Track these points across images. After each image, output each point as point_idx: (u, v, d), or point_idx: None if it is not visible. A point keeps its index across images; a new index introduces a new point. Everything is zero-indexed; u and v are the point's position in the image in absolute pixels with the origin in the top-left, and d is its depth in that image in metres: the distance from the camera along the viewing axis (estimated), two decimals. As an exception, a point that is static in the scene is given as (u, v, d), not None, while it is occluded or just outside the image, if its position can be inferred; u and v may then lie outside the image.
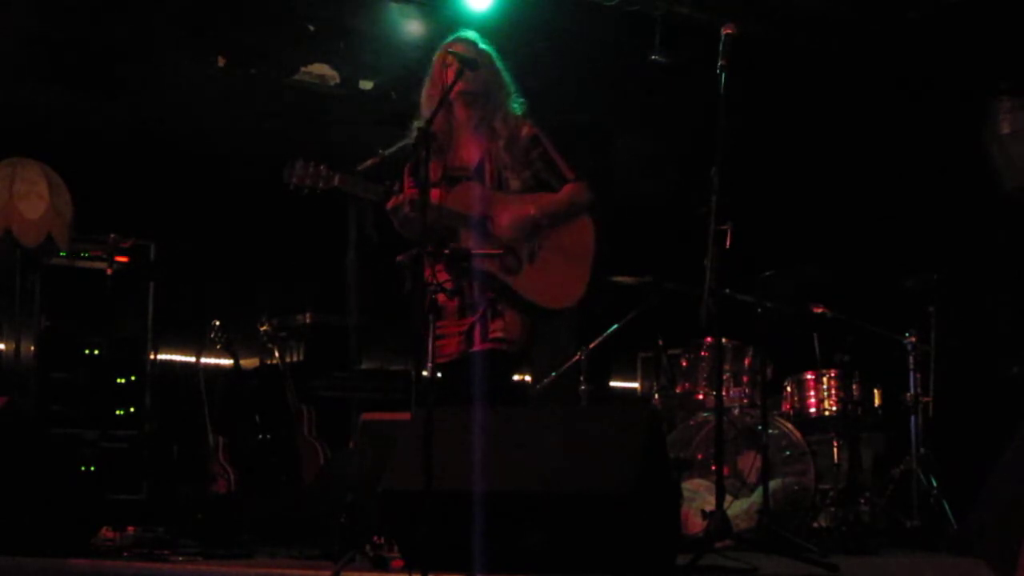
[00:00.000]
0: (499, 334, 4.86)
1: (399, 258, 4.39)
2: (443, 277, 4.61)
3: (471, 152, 4.99)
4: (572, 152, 5.07)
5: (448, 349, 4.89)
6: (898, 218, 8.12)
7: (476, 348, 4.86)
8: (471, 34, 5.09)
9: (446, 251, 4.72)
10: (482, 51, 5.00)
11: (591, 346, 6.94)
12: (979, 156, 7.93)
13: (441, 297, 4.72)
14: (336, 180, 4.75)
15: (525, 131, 4.99)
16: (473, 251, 4.79)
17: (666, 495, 4.32)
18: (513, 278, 4.87)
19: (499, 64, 5.04)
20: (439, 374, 4.98)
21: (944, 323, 6.73)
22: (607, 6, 7.27)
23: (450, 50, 4.94)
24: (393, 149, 4.74)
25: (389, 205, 4.77)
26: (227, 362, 7.35)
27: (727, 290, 5.85)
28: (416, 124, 4.72)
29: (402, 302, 4.36)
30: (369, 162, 4.85)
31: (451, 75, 4.87)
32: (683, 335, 6.80)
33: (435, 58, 5.08)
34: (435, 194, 4.88)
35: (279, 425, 7.10)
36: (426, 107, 4.96)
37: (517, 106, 5.03)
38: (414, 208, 4.73)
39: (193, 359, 7.48)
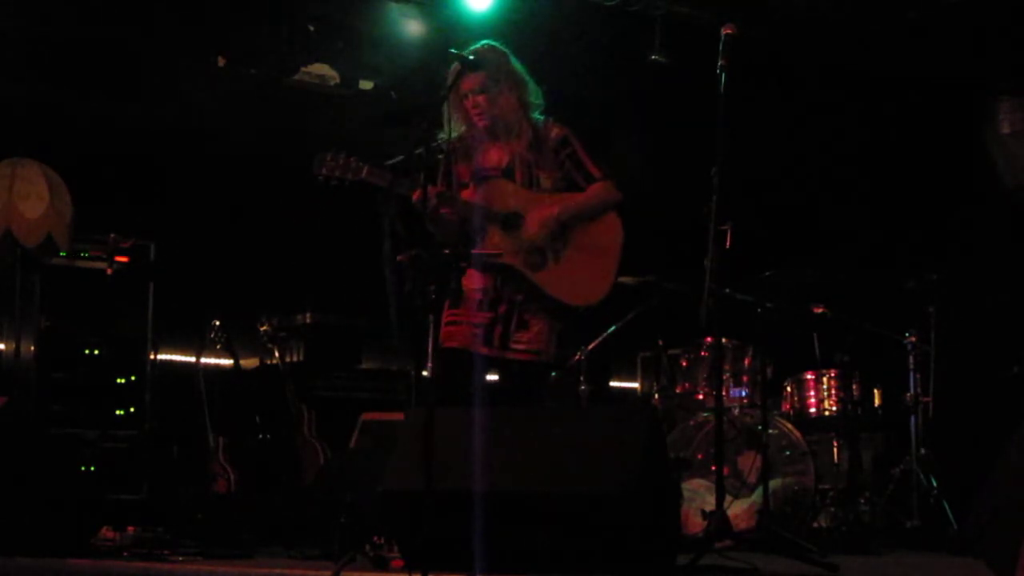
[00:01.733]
0: (523, 345, 4.90)
1: (399, 258, 4.39)
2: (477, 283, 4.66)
3: (499, 154, 5.03)
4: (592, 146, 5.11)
5: (460, 337, 4.90)
6: (898, 218, 8.12)
7: (507, 355, 4.88)
8: (486, 42, 5.09)
9: (446, 251, 4.72)
10: (498, 52, 5.02)
11: (591, 346, 6.94)
12: (979, 156, 7.93)
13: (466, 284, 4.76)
14: (364, 172, 4.74)
15: (555, 133, 5.04)
16: (473, 251, 4.81)
17: (666, 495, 4.32)
18: (537, 274, 4.89)
19: (516, 65, 5.06)
20: (440, 357, 4.99)
21: (944, 323, 6.72)
22: (607, 6, 7.27)
23: (451, 49, 4.95)
24: (418, 151, 4.74)
25: (416, 198, 4.78)
26: (227, 362, 7.35)
27: (727, 290, 5.85)
28: (440, 135, 4.78)
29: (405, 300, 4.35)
30: (396, 160, 4.85)
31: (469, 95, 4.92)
32: (683, 335, 6.80)
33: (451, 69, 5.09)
34: (466, 194, 4.94)
35: (279, 425, 7.10)
36: (449, 115, 4.97)
37: (540, 110, 5.06)
38: (442, 202, 4.76)
39: (193, 359, 7.47)
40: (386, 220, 4.69)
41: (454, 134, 4.97)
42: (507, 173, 4.99)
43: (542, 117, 5.07)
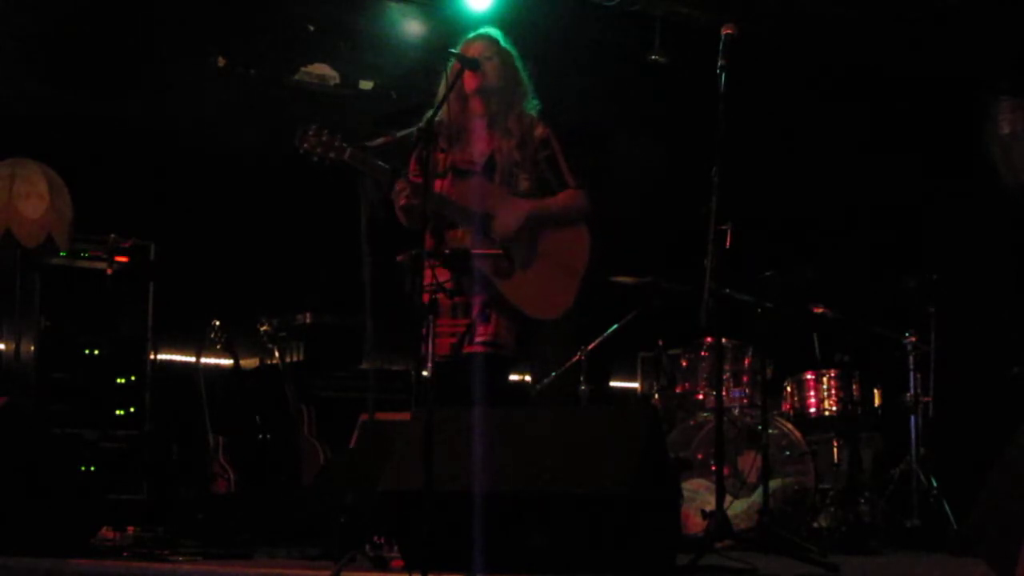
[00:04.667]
0: (487, 338, 4.84)
1: (399, 258, 4.39)
2: (443, 277, 4.61)
3: (480, 147, 4.97)
4: (571, 152, 5.07)
5: (441, 350, 4.87)
6: (898, 218, 8.12)
7: (466, 349, 4.85)
8: (493, 32, 5.08)
9: (447, 251, 4.72)
10: (502, 50, 5.02)
11: (591, 346, 6.94)
12: (979, 156, 7.93)
13: (441, 296, 4.72)
14: (347, 154, 4.67)
15: (539, 132, 5.00)
16: (472, 250, 4.79)
17: (666, 495, 4.32)
18: (503, 282, 4.84)
19: (518, 64, 5.05)
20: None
21: (944, 323, 6.72)
22: (607, 6, 7.27)
23: (451, 50, 4.93)
24: (405, 132, 4.71)
25: (395, 188, 4.74)
26: (227, 362, 7.34)
27: (727, 290, 5.85)
28: (425, 117, 4.66)
29: (404, 300, 4.35)
30: (381, 140, 4.79)
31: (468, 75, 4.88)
32: (683, 335, 6.79)
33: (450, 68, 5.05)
34: (439, 184, 4.88)
35: (279, 425, 7.09)
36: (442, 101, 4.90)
37: (532, 107, 5.04)
38: (415, 195, 4.71)
39: (193, 359, 7.47)
40: (364, 203, 4.66)
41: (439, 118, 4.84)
42: (487, 168, 4.94)
43: (533, 114, 5.04)
